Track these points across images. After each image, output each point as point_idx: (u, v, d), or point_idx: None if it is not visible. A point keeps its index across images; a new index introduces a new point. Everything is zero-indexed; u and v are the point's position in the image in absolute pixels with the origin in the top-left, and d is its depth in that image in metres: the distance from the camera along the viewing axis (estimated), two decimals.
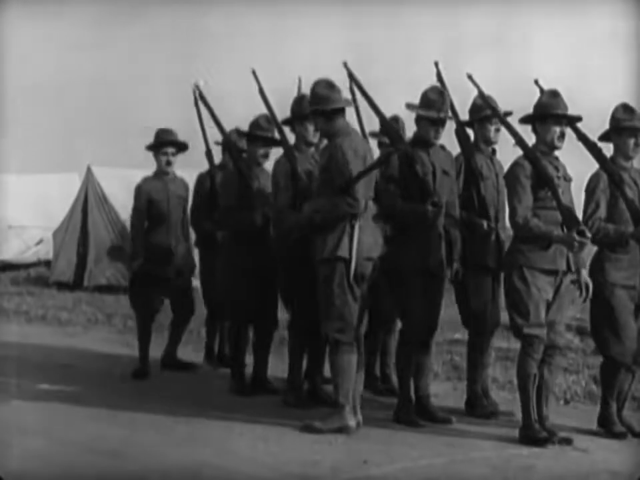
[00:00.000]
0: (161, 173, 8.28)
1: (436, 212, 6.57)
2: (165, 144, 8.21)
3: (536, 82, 6.55)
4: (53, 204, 15.89)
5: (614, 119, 6.56)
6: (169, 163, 8.22)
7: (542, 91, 6.47)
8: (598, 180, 6.44)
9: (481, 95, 6.76)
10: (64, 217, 14.75)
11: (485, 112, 6.95)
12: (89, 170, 14.78)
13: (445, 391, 7.70)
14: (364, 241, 6.34)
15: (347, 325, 6.35)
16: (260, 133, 7.53)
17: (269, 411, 6.98)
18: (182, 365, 8.46)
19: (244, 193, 7.52)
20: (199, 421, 6.73)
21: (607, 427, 6.54)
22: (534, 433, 6.18)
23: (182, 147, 8.31)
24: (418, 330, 6.67)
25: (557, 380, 7.05)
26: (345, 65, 6.87)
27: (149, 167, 8.67)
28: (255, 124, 7.57)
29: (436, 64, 7.07)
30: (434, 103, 6.65)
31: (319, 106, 6.48)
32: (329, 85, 6.49)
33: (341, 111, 6.51)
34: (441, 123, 6.69)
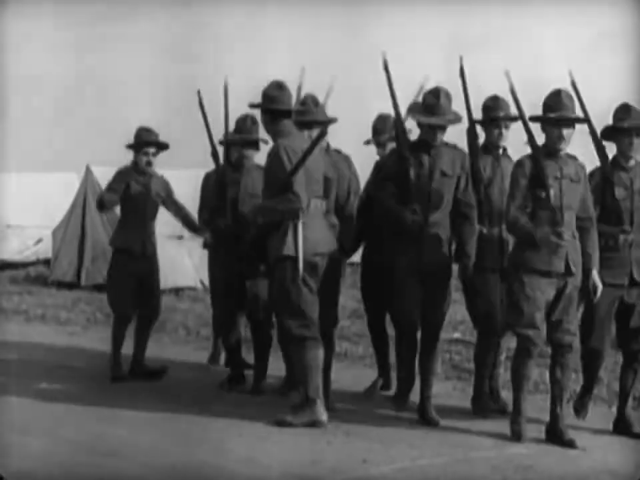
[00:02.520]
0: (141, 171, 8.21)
1: (415, 220, 6.64)
2: (145, 144, 8.17)
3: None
4: (52, 203, 15.85)
5: (613, 118, 6.59)
6: (149, 163, 8.17)
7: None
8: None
9: (512, 92, 6.65)
10: (63, 216, 14.73)
11: (493, 114, 6.96)
12: (88, 169, 14.76)
13: (445, 390, 7.70)
14: (311, 237, 6.45)
15: (309, 320, 6.45)
16: (239, 135, 7.65)
17: (268, 410, 6.99)
18: (150, 372, 8.13)
19: (219, 197, 7.66)
20: (199, 420, 6.73)
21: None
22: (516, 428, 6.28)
23: (162, 147, 8.25)
24: (406, 327, 6.76)
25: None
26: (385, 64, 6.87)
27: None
28: (235, 126, 7.69)
29: (460, 59, 6.99)
30: (432, 108, 6.67)
31: (264, 105, 6.67)
32: (279, 86, 6.66)
33: (287, 113, 6.66)
34: (439, 127, 6.71)
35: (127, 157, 8.33)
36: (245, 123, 7.69)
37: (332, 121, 7.22)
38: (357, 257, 8.02)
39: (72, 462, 5.69)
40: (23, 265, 16.00)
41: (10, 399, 7.23)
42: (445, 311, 6.81)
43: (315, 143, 6.52)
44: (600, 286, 6.34)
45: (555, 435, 6.26)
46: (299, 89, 7.33)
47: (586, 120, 6.49)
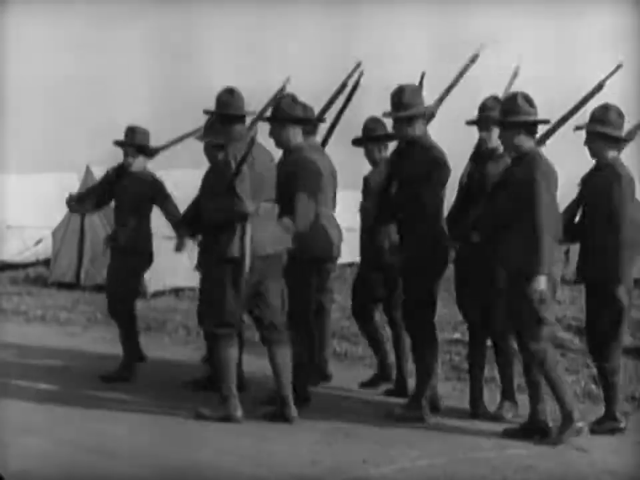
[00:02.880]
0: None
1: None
2: (120, 144, 8.23)
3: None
4: (51, 204, 15.84)
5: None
6: (128, 163, 8.21)
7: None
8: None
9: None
10: (63, 216, 14.72)
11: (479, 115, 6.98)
12: (87, 170, 14.75)
13: (444, 391, 7.69)
14: (259, 239, 6.57)
15: (227, 320, 6.61)
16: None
17: (268, 410, 6.99)
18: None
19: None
20: (198, 420, 6.73)
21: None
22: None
23: (141, 149, 8.27)
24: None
25: None
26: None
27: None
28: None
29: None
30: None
31: (217, 110, 6.82)
32: (230, 91, 6.80)
33: (238, 118, 6.79)
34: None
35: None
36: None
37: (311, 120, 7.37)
38: (356, 257, 8.03)
39: (71, 462, 5.70)
40: (23, 265, 15.99)
41: (9, 399, 7.23)
42: None
43: (251, 146, 6.62)
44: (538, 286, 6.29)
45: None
46: (280, 91, 7.36)
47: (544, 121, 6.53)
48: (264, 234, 6.63)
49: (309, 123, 7.38)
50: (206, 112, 7.05)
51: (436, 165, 6.71)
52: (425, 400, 6.76)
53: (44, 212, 16.00)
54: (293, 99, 7.27)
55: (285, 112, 7.19)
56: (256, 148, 6.69)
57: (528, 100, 6.35)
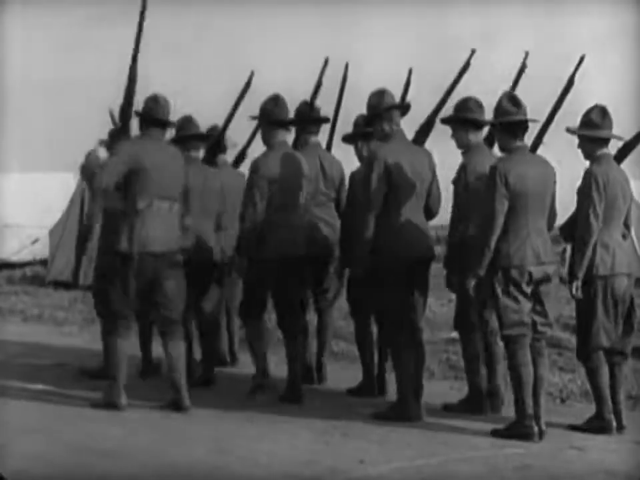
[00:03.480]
0: None
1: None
2: None
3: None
4: (49, 203, 15.84)
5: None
6: None
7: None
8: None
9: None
10: (60, 216, 14.72)
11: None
12: None
13: (442, 390, 7.70)
14: (150, 235, 6.80)
15: (114, 312, 6.91)
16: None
17: (265, 410, 6.99)
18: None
19: None
20: (196, 420, 6.74)
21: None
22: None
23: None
24: None
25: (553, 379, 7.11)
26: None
27: None
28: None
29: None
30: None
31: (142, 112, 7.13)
32: (154, 98, 7.10)
33: (157, 122, 7.05)
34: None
35: None
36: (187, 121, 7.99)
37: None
38: None
39: (70, 462, 5.69)
40: (20, 264, 15.98)
41: (7, 399, 7.22)
42: None
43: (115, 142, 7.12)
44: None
45: None
46: (246, 86, 7.74)
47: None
48: (155, 231, 6.84)
49: (287, 124, 7.46)
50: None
51: None
52: (411, 399, 6.72)
53: (41, 211, 16.00)
54: (276, 99, 7.37)
55: (263, 112, 7.37)
56: (153, 146, 6.99)
57: (513, 100, 6.43)
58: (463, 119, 6.96)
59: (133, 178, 6.83)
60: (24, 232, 16.50)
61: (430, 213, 6.95)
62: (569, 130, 6.58)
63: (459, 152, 7.04)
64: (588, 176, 6.43)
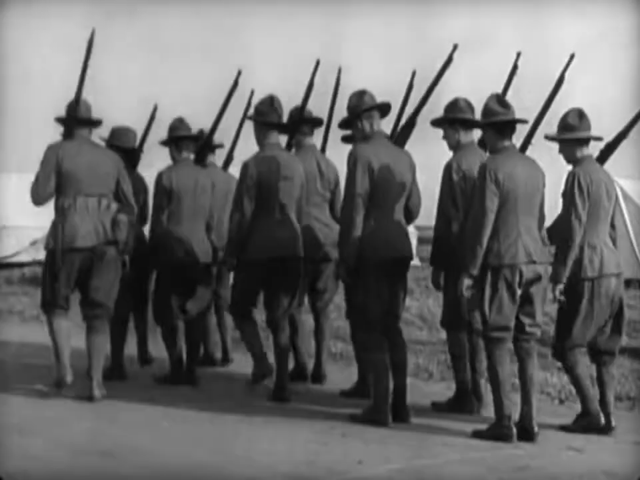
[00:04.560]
0: None
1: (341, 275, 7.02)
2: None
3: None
4: (48, 204, 15.84)
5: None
6: None
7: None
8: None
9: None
10: None
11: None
12: None
13: (440, 391, 7.70)
14: (75, 232, 7.17)
15: (49, 301, 7.27)
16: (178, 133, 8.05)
17: (263, 410, 6.99)
18: None
19: None
20: (194, 420, 6.74)
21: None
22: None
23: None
24: None
25: (552, 380, 7.12)
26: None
27: (143, 166, 8.73)
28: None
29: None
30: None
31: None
32: (77, 101, 7.36)
33: (82, 121, 7.37)
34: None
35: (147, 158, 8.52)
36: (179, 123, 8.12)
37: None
38: None
39: (69, 462, 5.69)
40: (19, 265, 15.99)
41: (7, 399, 7.22)
42: None
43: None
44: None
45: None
46: (234, 86, 7.94)
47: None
48: (80, 227, 7.17)
49: (281, 126, 7.52)
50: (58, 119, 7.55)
51: None
52: (382, 402, 6.65)
53: (40, 212, 15.98)
54: (271, 101, 7.42)
55: (258, 113, 7.43)
56: (75, 146, 7.27)
57: (500, 101, 6.48)
58: (452, 119, 7.01)
59: (57, 179, 7.24)
60: (23, 233, 16.50)
61: (410, 214, 6.95)
62: (547, 137, 6.68)
63: (441, 153, 7.12)
64: (571, 178, 6.47)
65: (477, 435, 6.36)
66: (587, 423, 6.52)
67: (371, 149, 6.71)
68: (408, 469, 5.70)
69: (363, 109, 6.79)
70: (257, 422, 6.68)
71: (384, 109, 6.90)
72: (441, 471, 5.69)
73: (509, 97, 6.97)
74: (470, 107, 7.03)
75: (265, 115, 7.37)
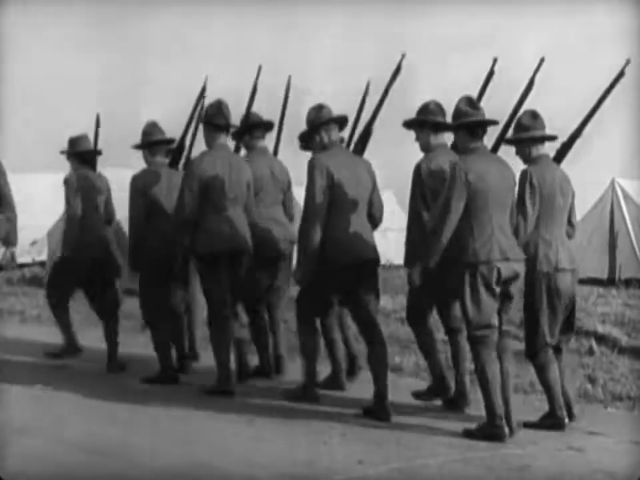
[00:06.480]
0: None
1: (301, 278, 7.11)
2: None
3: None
4: (47, 204, 15.85)
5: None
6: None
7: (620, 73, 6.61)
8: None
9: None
10: (59, 217, 14.73)
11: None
12: None
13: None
14: None
15: None
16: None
17: (263, 410, 7.00)
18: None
19: None
20: (194, 420, 6.74)
21: None
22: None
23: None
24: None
25: None
26: None
27: (141, 167, 8.79)
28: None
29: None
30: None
31: None
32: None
33: None
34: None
35: (121, 157, 8.52)
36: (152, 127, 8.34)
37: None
38: None
39: (69, 462, 5.69)
40: (19, 266, 15.99)
41: (7, 399, 7.23)
42: None
43: None
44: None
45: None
46: (202, 91, 8.23)
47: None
48: None
49: (229, 128, 7.79)
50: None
51: None
52: (308, 382, 7.13)
53: (39, 212, 16.00)
54: (219, 104, 7.69)
55: (206, 116, 7.74)
56: None
57: (470, 102, 6.57)
58: (422, 121, 7.12)
59: None
60: (22, 233, 16.49)
61: (374, 220, 7.13)
62: (504, 139, 6.78)
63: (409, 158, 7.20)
64: (522, 177, 6.58)
65: (468, 434, 6.37)
66: (551, 425, 6.57)
67: (329, 158, 6.94)
68: (408, 468, 5.70)
69: (321, 121, 7.04)
70: (257, 422, 6.69)
71: (341, 121, 7.15)
72: (441, 471, 5.69)
73: (485, 100, 7.05)
74: (441, 109, 7.14)
75: (213, 118, 7.67)
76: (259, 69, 8.17)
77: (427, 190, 6.95)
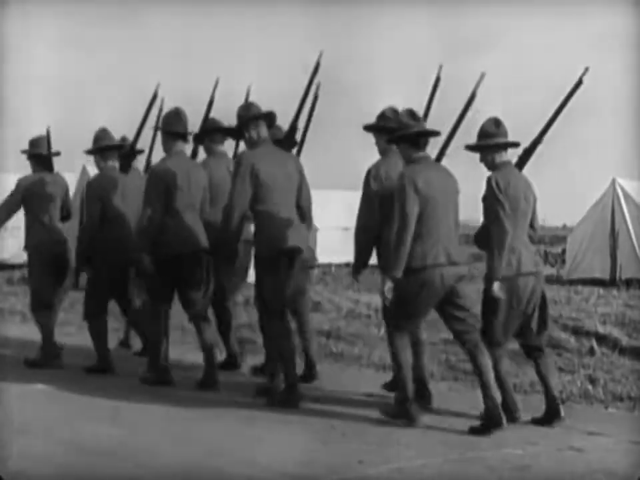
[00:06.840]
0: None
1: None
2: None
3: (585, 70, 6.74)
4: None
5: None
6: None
7: (579, 81, 6.63)
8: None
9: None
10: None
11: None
12: (84, 170, 14.74)
13: (441, 391, 7.70)
14: None
15: None
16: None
17: (263, 410, 7.00)
18: None
19: None
20: (194, 421, 6.75)
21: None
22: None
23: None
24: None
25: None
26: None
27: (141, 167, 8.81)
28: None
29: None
30: None
31: None
32: None
33: None
34: None
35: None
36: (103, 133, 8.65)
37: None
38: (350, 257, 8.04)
39: (69, 462, 5.70)
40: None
41: (7, 399, 7.23)
42: None
43: None
44: None
45: None
46: (153, 98, 8.44)
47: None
48: None
49: (182, 136, 8.02)
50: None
51: None
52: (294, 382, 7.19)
53: None
54: (177, 112, 7.96)
55: (164, 123, 7.98)
56: None
57: (412, 114, 6.73)
58: (376, 127, 7.33)
59: None
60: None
61: (302, 211, 7.48)
62: (467, 146, 6.84)
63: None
64: (489, 182, 6.65)
65: (475, 431, 6.42)
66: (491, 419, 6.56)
67: (256, 154, 7.26)
68: (408, 468, 5.70)
69: (249, 117, 7.32)
70: (257, 422, 6.69)
71: (270, 117, 7.41)
72: (441, 471, 5.69)
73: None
74: (398, 115, 7.16)
75: (171, 125, 7.93)
76: (216, 82, 8.48)
77: (373, 194, 7.16)
